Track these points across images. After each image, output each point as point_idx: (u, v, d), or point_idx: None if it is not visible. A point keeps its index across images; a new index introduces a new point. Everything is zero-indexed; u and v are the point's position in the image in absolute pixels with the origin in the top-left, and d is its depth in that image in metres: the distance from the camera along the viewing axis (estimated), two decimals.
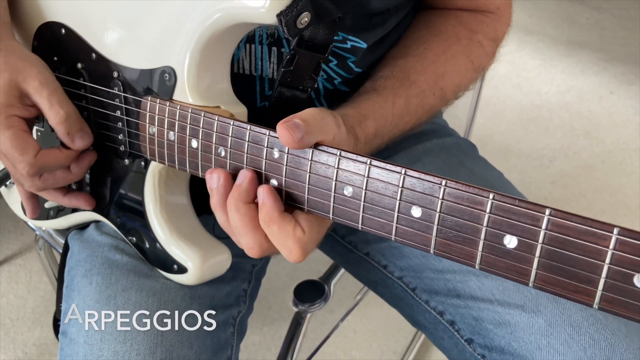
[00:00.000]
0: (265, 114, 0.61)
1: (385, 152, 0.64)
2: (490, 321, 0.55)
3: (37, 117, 0.55)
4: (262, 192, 0.43)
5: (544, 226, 0.31)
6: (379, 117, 0.53)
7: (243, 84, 0.58)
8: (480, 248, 0.34)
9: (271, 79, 0.59)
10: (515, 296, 0.54)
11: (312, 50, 0.48)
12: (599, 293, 0.30)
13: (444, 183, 0.35)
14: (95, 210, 0.60)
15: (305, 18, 0.44)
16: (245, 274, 0.66)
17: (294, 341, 0.82)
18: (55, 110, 0.52)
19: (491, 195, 0.33)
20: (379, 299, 0.69)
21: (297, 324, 0.81)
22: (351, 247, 0.67)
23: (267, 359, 1.15)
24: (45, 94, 0.52)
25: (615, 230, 0.29)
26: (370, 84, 0.56)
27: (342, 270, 0.81)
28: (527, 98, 1.88)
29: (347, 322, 1.21)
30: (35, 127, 0.61)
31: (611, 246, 0.29)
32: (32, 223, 0.72)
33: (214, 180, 0.46)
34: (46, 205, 0.63)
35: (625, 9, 2.35)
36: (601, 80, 1.96)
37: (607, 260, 0.30)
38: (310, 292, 0.80)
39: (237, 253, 0.64)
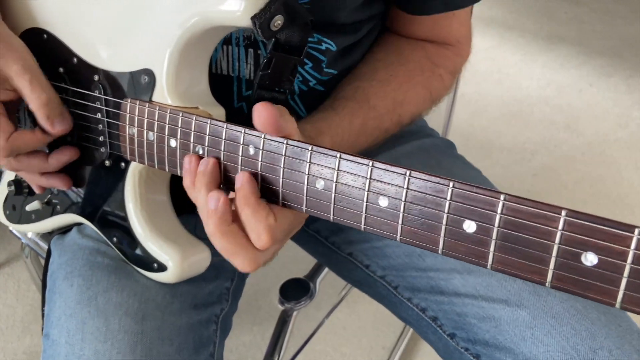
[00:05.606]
0: (242, 114, 0.62)
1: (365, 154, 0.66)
2: (474, 316, 0.56)
3: (18, 111, 0.55)
4: (242, 177, 0.44)
5: (499, 210, 0.33)
6: (335, 134, 0.55)
7: (221, 84, 0.59)
8: (442, 234, 0.36)
9: (248, 79, 0.61)
10: (499, 291, 0.55)
11: (288, 53, 0.49)
12: (550, 272, 0.32)
13: (408, 173, 0.37)
14: (76, 212, 0.61)
15: (278, 21, 0.46)
16: (228, 273, 0.67)
17: (281, 339, 0.83)
18: (37, 94, 0.52)
19: (451, 184, 0.35)
20: (368, 296, 0.71)
21: (283, 322, 0.82)
22: (334, 247, 0.68)
23: (257, 359, 1.16)
24: (27, 77, 0.52)
25: (563, 212, 0.31)
26: (329, 103, 0.58)
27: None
28: (508, 93, 1.91)
29: (336, 319, 1.22)
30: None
31: (560, 227, 0.31)
32: (16, 230, 0.73)
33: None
34: (27, 208, 0.64)
35: (603, 2, 2.39)
36: (580, 74, 1.99)
37: (557, 240, 0.31)
38: (296, 290, 0.81)
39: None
